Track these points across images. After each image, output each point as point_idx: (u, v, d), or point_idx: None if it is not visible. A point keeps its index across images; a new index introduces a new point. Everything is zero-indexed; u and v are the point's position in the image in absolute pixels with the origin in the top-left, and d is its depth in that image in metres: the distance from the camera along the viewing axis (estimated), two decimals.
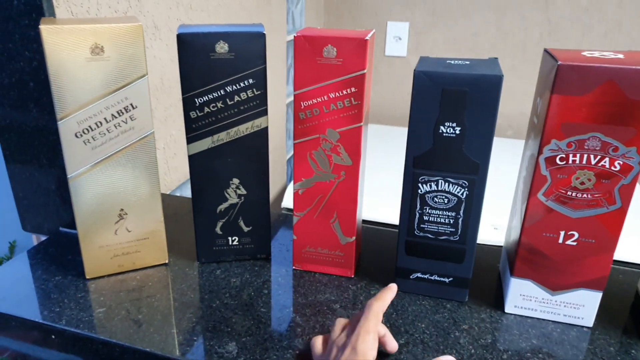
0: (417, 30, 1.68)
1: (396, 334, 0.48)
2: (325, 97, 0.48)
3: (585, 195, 0.44)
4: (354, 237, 0.55)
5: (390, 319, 0.50)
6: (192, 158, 0.52)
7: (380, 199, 0.96)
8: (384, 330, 0.45)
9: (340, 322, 0.45)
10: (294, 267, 0.58)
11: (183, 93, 0.49)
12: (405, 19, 1.69)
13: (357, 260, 0.59)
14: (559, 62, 0.41)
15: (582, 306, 0.48)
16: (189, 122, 0.51)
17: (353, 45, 0.46)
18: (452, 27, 1.64)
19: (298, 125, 0.50)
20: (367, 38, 0.46)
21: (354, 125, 0.49)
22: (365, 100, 0.48)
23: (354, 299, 0.53)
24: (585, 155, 0.43)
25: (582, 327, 0.49)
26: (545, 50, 0.46)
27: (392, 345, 0.45)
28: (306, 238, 0.56)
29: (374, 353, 0.40)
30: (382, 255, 0.61)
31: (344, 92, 0.48)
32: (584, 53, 0.44)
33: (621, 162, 0.42)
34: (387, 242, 0.63)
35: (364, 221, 0.63)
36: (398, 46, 1.72)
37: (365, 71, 0.47)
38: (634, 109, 0.40)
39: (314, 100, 0.49)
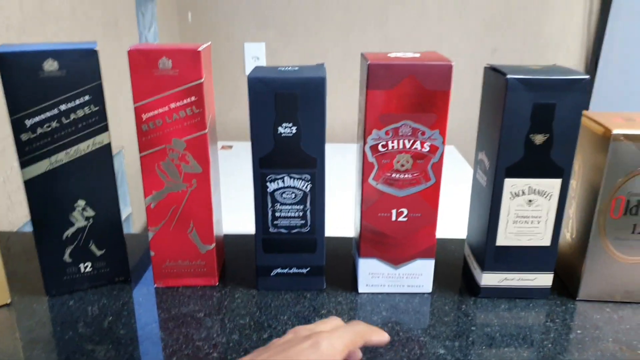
0: (272, 49, 1.75)
1: (260, 330, 0.50)
2: (167, 107, 0.50)
3: (406, 176, 0.51)
4: (213, 244, 0.56)
5: (254, 316, 0.52)
6: (28, 183, 0.50)
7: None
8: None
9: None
10: (155, 285, 0.57)
11: (10, 115, 0.47)
12: (261, 39, 1.75)
13: (221, 267, 0.60)
14: (369, 62, 0.47)
15: (420, 275, 0.55)
16: (20, 146, 0.49)
17: (187, 57, 0.48)
18: (304, 45, 1.73)
19: (142, 138, 0.51)
20: (200, 49, 0.49)
21: (199, 133, 0.51)
22: (207, 108, 0.51)
23: (218, 305, 0.54)
24: (401, 141, 0.50)
25: (423, 293, 0.56)
26: (362, 55, 0.52)
27: None
28: (165, 252, 0.56)
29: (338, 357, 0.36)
30: (247, 258, 0.63)
31: (184, 101, 0.50)
32: (390, 54, 0.51)
33: (429, 144, 0.50)
34: (250, 246, 0.66)
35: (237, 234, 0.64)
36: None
37: (202, 80, 0.49)
38: (431, 98, 0.48)
39: (156, 112, 0.50)
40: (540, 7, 1.65)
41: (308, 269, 0.56)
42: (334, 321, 0.41)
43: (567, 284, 0.56)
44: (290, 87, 0.48)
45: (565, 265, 0.56)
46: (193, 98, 0.50)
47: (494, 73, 0.50)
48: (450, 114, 0.49)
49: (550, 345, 0.47)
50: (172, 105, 0.50)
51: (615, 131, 0.47)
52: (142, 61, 0.48)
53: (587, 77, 0.46)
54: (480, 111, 0.54)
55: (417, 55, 0.50)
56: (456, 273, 0.60)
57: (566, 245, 0.56)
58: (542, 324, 0.50)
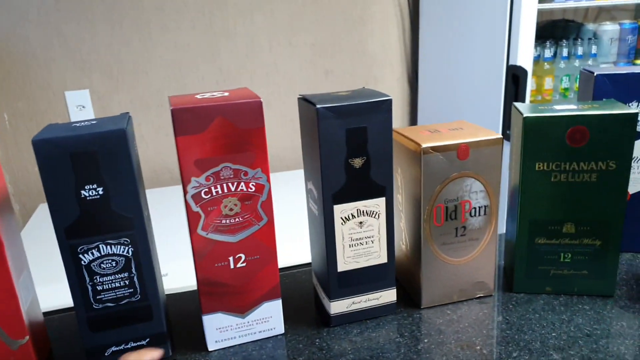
0: (99, 95, 1.63)
1: None
2: None
3: (237, 219, 0.48)
4: (27, 337, 0.48)
5: None
6: None
7: None
8: None
9: None
10: None
11: None
12: (84, 86, 1.62)
13: (46, 357, 0.52)
14: (172, 107, 0.44)
15: (270, 318, 0.53)
16: None
17: None
18: (135, 86, 1.64)
19: None
20: None
21: None
22: None
23: None
24: (224, 184, 0.47)
25: (277, 336, 0.53)
26: (168, 99, 0.49)
27: None
28: None
29: None
30: (79, 337, 0.55)
31: None
32: (197, 96, 0.48)
33: (254, 183, 0.48)
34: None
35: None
36: (84, 114, 1.63)
37: None
38: (246, 136, 0.46)
39: None
40: (361, 29, 1.76)
41: (148, 339, 0.50)
42: None
43: (411, 295, 0.57)
44: (85, 145, 0.43)
45: (407, 277, 0.58)
46: None
47: (305, 103, 0.50)
48: (296, 140, 0.48)
49: None
50: None
51: (424, 145, 0.50)
52: None
53: (389, 97, 0.48)
54: (301, 142, 0.54)
55: (226, 94, 0.48)
56: (309, 304, 0.59)
57: (404, 258, 0.58)
58: (392, 341, 0.51)
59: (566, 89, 1.44)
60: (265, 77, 1.70)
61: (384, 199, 0.51)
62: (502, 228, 0.61)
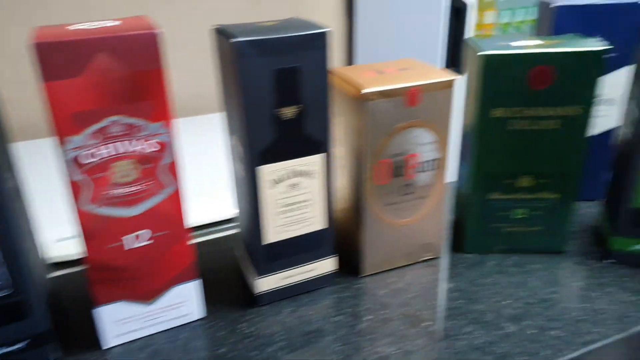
0: None
1: None
2: None
3: (134, 188, 0.38)
4: None
5: None
6: None
7: None
8: None
9: None
10: None
11: None
12: None
13: None
14: (35, 41, 0.31)
15: (183, 302, 0.43)
16: None
17: None
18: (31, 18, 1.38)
19: None
20: None
21: None
22: None
23: None
24: (114, 144, 0.36)
25: (193, 322, 0.45)
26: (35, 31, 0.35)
27: None
28: None
29: None
30: None
31: None
32: (72, 27, 0.35)
33: (154, 141, 0.37)
34: None
35: None
36: None
37: None
38: (141, 80, 0.35)
39: None
40: None
41: (28, 340, 0.39)
42: None
43: (351, 262, 0.50)
44: None
45: (347, 242, 0.50)
46: None
47: (221, 37, 0.39)
48: None
49: (341, 347, 0.41)
50: None
51: (365, 89, 0.41)
52: None
53: (326, 29, 0.38)
54: (221, 87, 0.43)
55: (117, 23, 0.36)
56: (234, 280, 0.50)
57: (344, 220, 0.50)
58: (330, 320, 0.44)
59: (507, 24, 1.38)
60: (180, 2, 1.50)
61: (321, 155, 0.42)
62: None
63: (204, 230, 0.66)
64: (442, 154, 0.46)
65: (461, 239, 0.51)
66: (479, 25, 1.37)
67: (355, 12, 1.65)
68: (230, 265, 0.51)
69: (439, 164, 0.46)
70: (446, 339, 0.41)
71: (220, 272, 0.50)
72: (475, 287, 0.47)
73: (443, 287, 0.47)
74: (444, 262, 0.50)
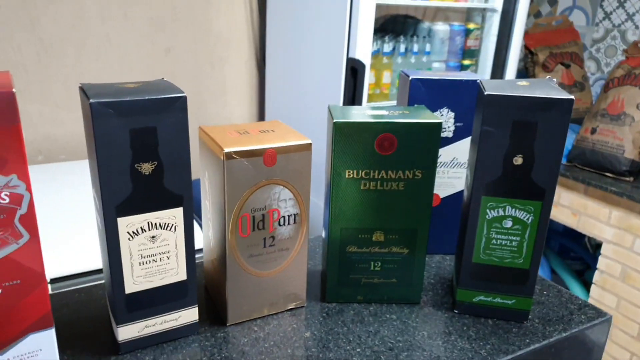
0: None
1: None
2: None
3: None
4: None
5: None
6: None
7: None
8: None
9: None
10: None
11: None
12: None
13: None
14: None
15: (39, 351, 0.44)
16: None
17: None
18: None
19: None
20: None
21: None
22: None
23: None
24: None
25: None
26: None
27: None
28: None
29: None
30: None
31: None
32: None
33: (8, 193, 0.38)
34: None
35: None
36: None
37: None
38: None
39: None
40: (205, 7, 1.65)
41: None
42: None
43: (219, 311, 0.52)
44: None
45: (215, 292, 0.53)
46: None
47: (83, 96, 0.41)
48: None
49: None
50: None
51: (226, 149, 0.44)
52: None
53: (183, 94, 0.42)
54: (86, 140, 0.45)
55: None
56: (103, 328, 0.50)
57: (212, 271, 0.52)
58: None
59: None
60: (96, 50, 1.51)
61: (181, 209, 0.44)
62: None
63: (80, 279, 0.66)
64: (301, 209, 0.49)
65: (324, 289, 0.54)
66: (377, 84, 1.47)
67: (266, 69, 1.73)
68: (100, 314, 0.52)
69: (299, 218, 0.49)
70: None
71: (90, 321, 0.51)
72: (330, 335, 0.49)
73: (301, 335, 0.49)
74: (308, 311, 0.53)
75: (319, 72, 1.42)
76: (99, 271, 0.70)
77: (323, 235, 0.57)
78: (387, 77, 1.47)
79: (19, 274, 0.41)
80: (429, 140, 0.48)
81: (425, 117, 0.49)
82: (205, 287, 0.56)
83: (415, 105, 0.56)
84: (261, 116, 1.88)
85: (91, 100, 0.39)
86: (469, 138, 0.59)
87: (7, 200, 0.38)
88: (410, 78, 0.57)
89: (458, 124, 0.58)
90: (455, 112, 0.57)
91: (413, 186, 0.50)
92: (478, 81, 0.51)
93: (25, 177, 0.39)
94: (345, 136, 0.48)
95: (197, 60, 1.70)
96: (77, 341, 0.48)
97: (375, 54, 1.44)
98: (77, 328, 0.49)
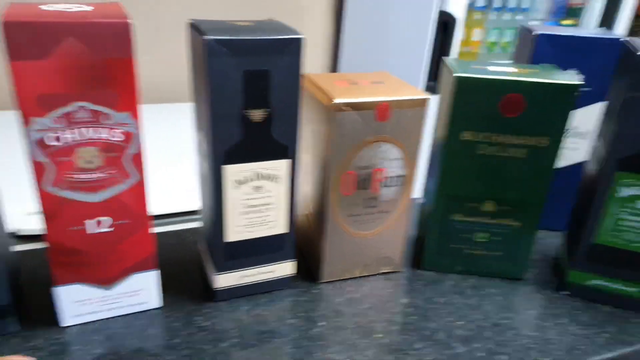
0: None
1: None
2: None
3: (98, 175, 0.38)
4: None
5: None
6: None
7: None
8: None
9: None
10: None
11: None
12: None
13: None
14: (4, 20, 0.32)
15: (140, 291, 0.44)
16: None
17: None
18: None
19: None
20: None
21: None
22: None
23: None
24: (80, 129, 0.36)
25: (149, 310, 0.45)
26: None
27: None
28: None
29: None
30: None
31: None
32: (44, 6, 0.36)
33: (120, 131, 0.37)
34: None
35: None
36: None
37: None
38: (109, 69, 0.35)
39: None
40: None
41: None
42: None
43: (311, 267, 0.51)
44: None
45: (308, 248, 0.51)
46: None
47: (194, 32, 0.39)
48: None
49: (291, 350, 0.41)
50: None
51: (336, 100, 0.41)
52: None
53: (300, 35, 0.39)
54: (191, 81, 0.44)
55: (89, 9, 0.36)
56: (195, 273, 0.50)
57: (307, 226, 0.51)
58: (284, 322, 0.44)
59: (493, 43, 1.39)
60: None
61: (286, 161, 0.42)
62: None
63: (168, 220, 0.67)
64: (408, 172, 0.46)
65: (421, 256, 0.51)
66: (466, 42, 1.37)
67: (343, 17, 1.65)
68: (192, 259, 0.52)
69: (404, 180, 0.46)
70: (395, 353, 0.41)
71: (182, 265, 0.51)
72: (430, 304, 0.47)
73: (398, 301, 0.47)
74: (402, 276, 0.51)
75: (404, 26, 1.34)
76: (187, 213, 0.70)
77: (421, 198, 0.54)
78: (477, 34, 1.37)
79: (126, 214, 0.40)
80: (563, 104, 0.43)
81: (559, 77, 0.44)
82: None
83: (542, 64, 0.50)
84: (333, 68, 1.83)
85: (206, 37, 0.36)
86: (597, 104, 0.52)
87: (118, 138, 0.38)
88: (534, 33, 0.51)
89: (586, 89, 0.52)
90: (585, 74, 0.51)
91: (536, 154, 0.45)
92: (624, 40, 0.44)
93: (136, 116, 0.38)
94: (466, 93, 0.43)
95: (276, 9, 1.65)
96: (170, 285, 0.48)
97: (468, 9, 1.34)
98: (168, 271, 0.49)
